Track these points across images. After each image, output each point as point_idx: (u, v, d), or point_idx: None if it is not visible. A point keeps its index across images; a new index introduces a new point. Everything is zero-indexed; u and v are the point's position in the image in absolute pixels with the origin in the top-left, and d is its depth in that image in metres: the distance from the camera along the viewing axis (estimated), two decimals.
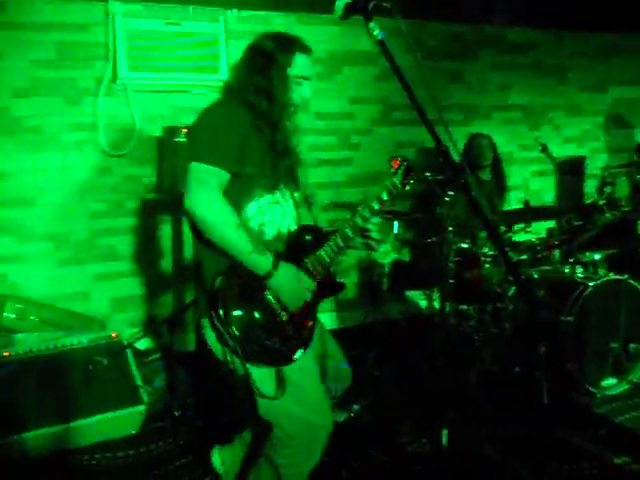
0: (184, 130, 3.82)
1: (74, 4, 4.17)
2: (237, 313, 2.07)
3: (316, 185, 5.00)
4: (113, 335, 3.57)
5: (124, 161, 4.41)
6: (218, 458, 2.80)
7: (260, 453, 2.38)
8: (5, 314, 3.79)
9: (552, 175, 5.17)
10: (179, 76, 4.39)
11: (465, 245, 4.19)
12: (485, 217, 1.59)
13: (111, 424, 3.32)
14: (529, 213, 4.10)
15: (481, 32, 5.63)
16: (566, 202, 5.56)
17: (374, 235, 2.42)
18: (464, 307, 4.26)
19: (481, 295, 4.12)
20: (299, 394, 2.20)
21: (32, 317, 3.84)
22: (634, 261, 4.31)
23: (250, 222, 2.19)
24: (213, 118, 2.16)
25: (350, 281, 5.37)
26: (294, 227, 2.34)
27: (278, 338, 2.15)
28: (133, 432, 3.41)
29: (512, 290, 3.97)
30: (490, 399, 3.68)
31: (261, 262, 2.09)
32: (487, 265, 4.06)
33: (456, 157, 1.66)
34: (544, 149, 4.59)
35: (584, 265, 4.08)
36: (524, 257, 4.10)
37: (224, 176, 2.09)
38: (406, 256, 5.51)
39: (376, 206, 2.32)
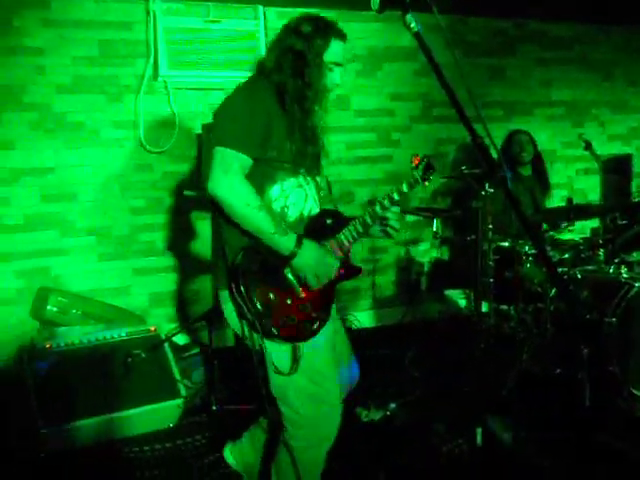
0: None
1: (116, 3, 4.23)
2: (257, 288, 2.11)
3: (354, 182, 4.99)
4: (152, 329, 3.62)
5: (164, 158, 4.46)
6: (230, 456, 2.80)
7: (277, 442, 2.41)
8: (48, 307, 3.87)
9: (597, 173, 5.05)
10: (219, 74, 4.41)
11: (505, 243, 4.12)
12: (522, 213, 1.55)
13: (149, 417, 3.36)
14: (572, 211, 4.00)
15: (524, 27, 5.53)
16: (611, 201, 5.44)
17: (392, 223, 2.41)
18: (504, 307, 4.20)
19: (522, 295, 4.06)
20: (312, 372, 2.22)
21: (74, 310, 3.91)
22: None
23: (273, 204, 2.21)
24: (238, 102, 2.17)
25: (388, 279, 5.35)
26: (316, 211, 2.35)
27: (296, 315, 2.18)
28: (171, 425, 3.45)
29: (553, 290, 3.89)
30: (531, 400, 3.62)
31: (284, 243, 2.12)
32: (528, 264, 3.99)
33: (494, 154, 1.62)
34: (588, 146, 4.49)
35: (629, 265, 3.98)
36: (567, 256, 4.01)
37: (246, 160, 2.11)
38: (445, 254, 5.46)
39: (396, 197, 2.34)
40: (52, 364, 3.27)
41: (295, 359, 2.19)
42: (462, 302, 5.24)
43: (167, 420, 3.44)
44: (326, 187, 2.45)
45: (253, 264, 2.12)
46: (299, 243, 2.14)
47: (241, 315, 2.14)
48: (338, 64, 2.26)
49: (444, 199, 5.40)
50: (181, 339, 4.29)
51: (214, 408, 3.54)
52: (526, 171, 4.79)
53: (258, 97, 2.16)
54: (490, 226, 3.89)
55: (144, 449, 3.26)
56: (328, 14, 4.60)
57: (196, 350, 4.05)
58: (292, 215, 2.25)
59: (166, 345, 3.58)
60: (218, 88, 4.32)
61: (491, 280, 3.96)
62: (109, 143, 4.32)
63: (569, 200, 3.98)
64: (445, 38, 1.77)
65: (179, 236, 4.57)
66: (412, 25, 1.68)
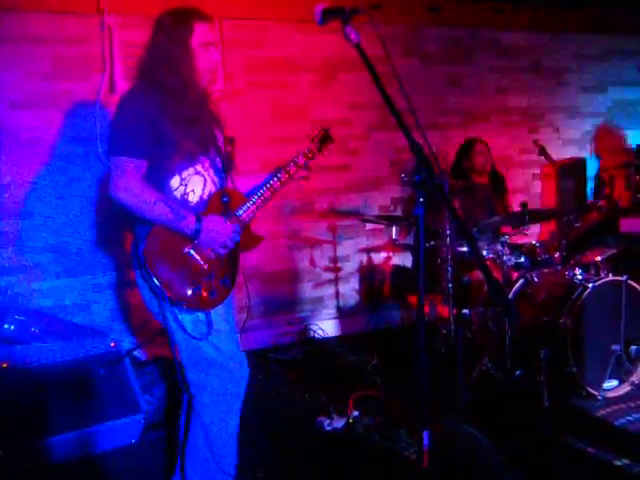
0: None
1: (70, 17, 4.20)
2: (162, 264, 2.33)
3: (313, 192, 5.01)
4: (112, 345, 3.58)
5: None
6: None
7: (190, 417, 2.60)
8: (5, 326, 3.80)
9: (553, 178, 5.17)
10: None
11: (464, 248, 4.18)
12: (459, 219, 1.59)
13: (110, 433, 3.33)
14: (528, 215, 4.08)
15: (478, 36, 5.63)
16: (567, 204, 5.57)
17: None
18: (465, 311, 4.25)
19: (481, 299, 4.11)
20: (217, 340, 2.45)
21: (32, 328, 3.85)
22: (634, 261, 4.28)
23: (174, 193, 2.40)
24: (125, 111, 2.35)
25: (351, 287, 5.38)
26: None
27: (201, 285, 2.39)
28: (133, 441, 3.41)
29: (512, 294, 3.96)
30: (491, 402, 3.67)
31: (185, 225, 2.34)
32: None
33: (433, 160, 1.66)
34: (542, 151, 4.58)
35: (585, 267, 4.06)
36: (523, 259, 4.09)
37: (139, 163, 2.31)
38: (407, 261, 5.51)
39: (292, 169, 2.66)
40: (3, 384, 3.21)
41: (210, 324, 2.42)
42: (425, 307, 5.29)
43: (129, 436, 3.41)
44: (228, 166, 2.59)
45: (157, 243, 2.34)
46: (199, 221, 2.35)
47: (152, 290, 2.37)
48: (209, 44, 2.41)
49: (404, 205, 5.46)
50: (142, 353, 4.25)
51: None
52: (482, 179, 4.86)
53: (141, 101, 2.33)
54: (448, 232, 3.95)
55: (105, 467, 3.22)
56: (284, 25, 4.77)
57: (156, 364, 4.01)
58: (192, 200, 2.44)
59: (126, 360, 3.55)
60: None
61: (450, 285, 4.02)
62: (66, 159, 4.27)
63: (524, 205, 4.06)
64: (384, 47, 1.77)
65: None
66: (352, 37, 1.71)
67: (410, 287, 5.39)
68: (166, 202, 2.33)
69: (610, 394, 3.75)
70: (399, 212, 5.42)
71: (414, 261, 5.44)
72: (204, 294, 2.39)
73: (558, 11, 5.72)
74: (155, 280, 2.31)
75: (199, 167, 2.45)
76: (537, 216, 4.23)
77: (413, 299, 5.39)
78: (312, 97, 5.01)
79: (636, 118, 6.40)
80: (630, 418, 3.54)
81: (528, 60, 5.87)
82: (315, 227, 5.16)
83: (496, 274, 4.06)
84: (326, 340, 5.05)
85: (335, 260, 5.26)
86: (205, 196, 2.47)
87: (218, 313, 2.47)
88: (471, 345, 4.10)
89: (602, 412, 3.62)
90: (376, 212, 5.31)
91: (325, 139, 2.76)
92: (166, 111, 2.34)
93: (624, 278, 3.80)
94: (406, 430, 3.40)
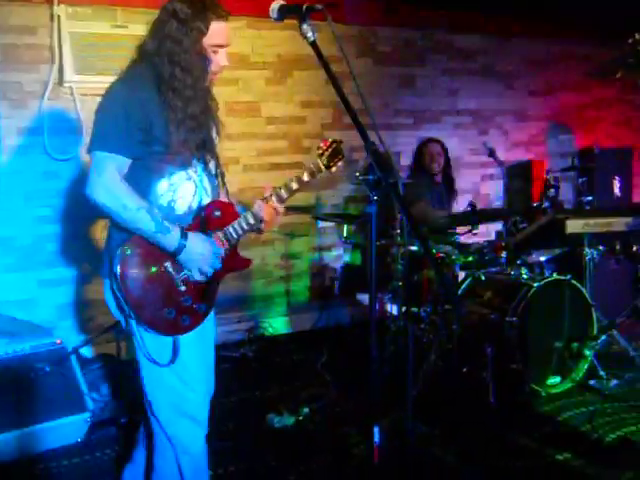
0: None
1: (19, 7, 4.09)
2: (135, 281, 2.07)
3: (267, 189, 4.98)
4: (57, 342, 3.50)
5: (71, 165, 4.34)
6: None
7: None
8: None
9: (501, 179, 5.28)
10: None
11: (413, 247, 4.23)
12: (412, 218, 1.62)
13: (56, 432, 3.26)
14: (476, 216, 4.16)
15: (431, 38, 5.72)
16: (514, 205, 5.70)
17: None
18: (414, 309, 4.30)
19: (430, 297, 4.18)
20: (182, 369, 2.19)
21: None
22: (577, 262, 4.41)
23: (160, 200, 2.15)
24: (115, 100, 2.08)
25: (302, 285, 5.39)
26: (206, 202, 2.27)
27: (174, 308, 2.14)
28: (79, 440, 3.35)
29: (460, 292, 4.04)
30: (439, 399, 3.73)
31: (167, 240, 2.08)
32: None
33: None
34: (491, 153, 4.67)
35: (530, 266, 4.17)
36: (471, 259, 4.16)
37: (123, 161, 2.06)
38: (357, 259, 5.55)
39: (294, 186, 2.33)
40: None
41: (175, 351, 2.16)
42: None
43: (74, 435, 3.35)
44: (220, 177, 2.36)
45: (133, 257, 2.08)
46: (183, 238, 2.10)
47: (120, 307, 2.12)
48: (221, 46, 2.19)
49: (356, 204, 5.49)
50: (88, 351, 4.17)
51: (122, 421, 3.48)
52: (437, 178, 4.94)
53: (135, 90, 2.08)
54: (398, 231, 3.99)
55: (51, 466, 3.16)
56: (237, 21, 4.75)
57: (103, 362, 3.95)
58: (180, 209, 2.19)
59: (73, 358, 3.48)
60: None
61: (400, 283, 4.07)
62: (12, 151, 4.16)
63: (473, 205, 4.14)
64: (338, 45, 1.76)
65: (86, 246, 4.44)
66: (309, 35, 1.72)
67: (360, 285, 5.43)
68: (150, 211, 2.06)
69: (553, 390, 3.87)
70: (351, 210, 5.46)
71: (364, 259, 5.49)
72: (177, 319, 2.14)
73: (508, 16, 5.85)
74: (125, 297, 2.06)
75: (191, 172, 2.20)
76: (486, 216, 4.31)
77: (362, 297, 5.44)
78: (266, 94, 5.00)
79: (582, 122, 6.60)
80: (571, 413, 3.65)
81: (479, 63, 5.98)
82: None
83: (446, 272, 4.13)
84: (276, 337, 5.06)
85: (287, 258, 5.27)
86: (194, 205, 2.22)
87: (188, 339, 2.19)
88: (420, 343, 4.16)
89: (545, 408, 3.73)
90: (329, 210, 5.33)
91: (336, 153, 2.38)
92: (165, 107, 2.09)
93: (567, 278, 3.92)
94: (356, 427, 3.44)
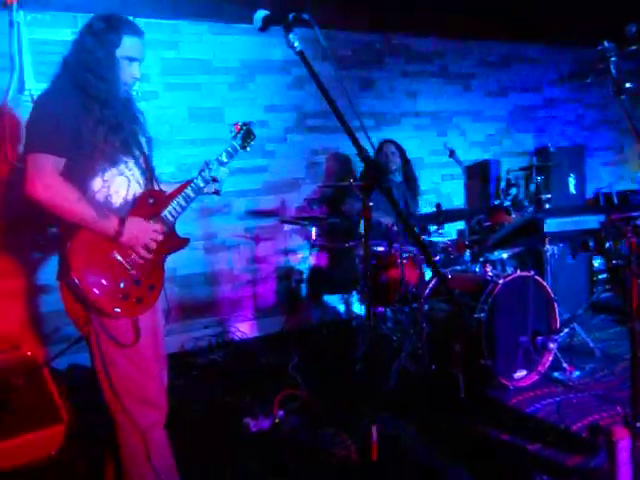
0: None
1: None
2: (91, 274, 2.25)
3: (230, 193, 5.01)
4: (28, 354, 3.45)
5: None
6: None
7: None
8: None
9: (461, 179, 5.38)
10: None
11: (380, 248, 4.29)
12: (405, 219, 1.66)
13: (31, 445, 3.20)
14: (441, 216, 4.24)
15: (390, 41, 5.80)
16: (474, 204, 5.83)
17: (220, 180, 2.74)
18: (382, 309, 4.37)
19: (398, 297, 4.24)
20: (144, 346, 2.43)
21: None
22: (537, 258, 4.55)
23: (97, 195, 2.36)
24: (46, 107, 2.30)
25: (269, 288, 5.40)
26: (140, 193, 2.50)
27: (129, 292, 2.34)
28: (52, 453, 3.30)
29: (427, 291, 4.12)
30: (410, 397, 3.79)
31: (107, 225, 2.29)
32: (403, 268, 4.18)
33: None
34: (452, 154, 4.77)
35: (493, 264, 4.27)
36: (438, 258, 4.25)
37: (58, 161, 2.25)
38: (323, 261, 5.59)
39: (214, 167, 2.66)
40: None
41: (138, 331, 2.38)
42: (341, 307, 5.41)
43: (49, 447, 3.29)
44: (149, 170, 2.55)
45: (82, 252, 2.26)
46: (121, 222, 2.32)
47: (80, 301, 2.29)
48: (133, 59, 2.41)
49: (320, 207, 5.54)
50: (60, 362, 4.10)
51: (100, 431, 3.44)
52: (397, 178, 5.02)
53: (63, 99, 2.29)
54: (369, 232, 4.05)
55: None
56: (199, 27, 4.76)
57: (78, 372, 3.90)
58: (116, 202, 2.40)
59: (45, 370, 3.42)
60: None
61: (369, 284, 4.11)
62: None
63: (438, 205, 4.22)
64: (324, 52, 1.83)
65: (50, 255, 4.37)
66: (296, 44, 1.74)
67: (326, 287, 5.48)
68: (89, 201, 2.29)
69: (520, 383, 3.98)
70: (316, 213, 5.49)
71: (330, 262, 5.53)
72: (133, 301, 2.35)
73: (463, 19, 5.97)
74: (84, 289, 2.23)
75: (122, 167, 2.41)
76: (451, 216, 4.40)
77: (329, 299, 5.49)
78: (229, 99, 5.00)
79: (535, 122, 6.79)
80: (538, 405, 3.76)
81: (437, 65, 6.10)
82: (232, 229, 5.15)
83: (413, 272, 4.21)
84: (245, 341, 5.06)
85: (253, 261, 5.27)
86: (129, 197, 2.43)
87: (145, 319, 2.44)
88: (390, 342, 4.23)
89: (513, 401, 3.83)
90: (293, 213, 5.36)
91: (248, 135, 2.78)
92: (88, 113, 2.30)
93: (531, 274, 4.04)
94: (332, 427, 3.47)
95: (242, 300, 5.27)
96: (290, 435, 3.46)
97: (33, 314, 4.35)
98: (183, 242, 2.63)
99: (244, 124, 2.79)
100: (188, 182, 2.59)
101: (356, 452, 3.23)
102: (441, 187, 6.17)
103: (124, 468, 2.53)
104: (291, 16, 1.75)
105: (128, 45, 2.38)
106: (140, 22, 4.37)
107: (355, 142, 1.64)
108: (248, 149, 2.81)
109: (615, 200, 5.41)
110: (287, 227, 5.36)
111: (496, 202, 4.65)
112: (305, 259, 5.50)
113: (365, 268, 1.73)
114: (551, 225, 2.76)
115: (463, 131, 6.33)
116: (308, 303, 5.46)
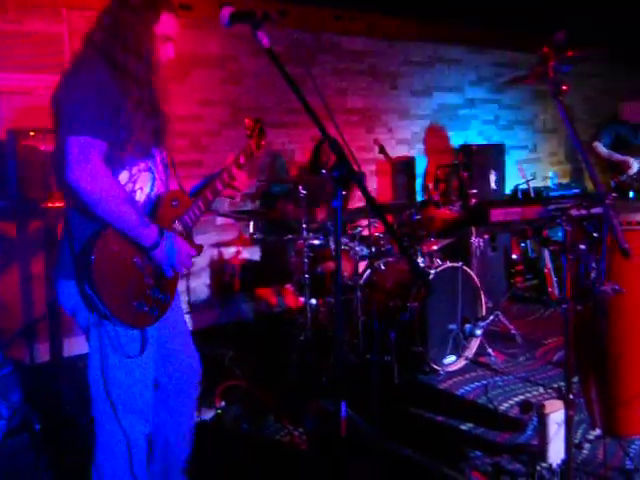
0: (32, 133, 3.70)
1: None
2: (108, 279, 2.05)
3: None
4: None
5: None
6: None
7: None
8: None
9: (388, 174, 5.59)
10: (23, 77, 4.19)
11: (316, 241, 4.40)
12: (378, 208, 1.76)
13: None
14: (374, 210, 4.38)
15: (320, 40, 5.92)
16: (401, 199, 6.05)
17: (237, 184, 2.52)
18: (314, 301, 4.46)
19: (333, 288, 4.36)
20: (148, 358, 2.25)
21: None
22: (465, 250, 4.79)
23: None
24: (81, 87, 2.04)
25: (202, 282, 5.42)
26: (162, 191, 2.30)
27: (144, 301, 2.16)
28: None
29: (362, 282, 4.26)
30: (347, 383, 3.91)
31: (146, 235, 2.08)
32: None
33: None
34: (382, 150, 4.94)
35: (423, 255, 4.46)
36: (371, 250, 4.40)
37: (102, 146, 2.02)
38: (256, 255, 5.66)
39: (234, 170, 2.47)
40: None
41: (145, 341, 2.20)
42: (275, 300, 5.49)
43: None
44: (172, 164, 2.37)
45: (101, 254, 2.03)
46: (160, 235, 2.11)
47: (91, 306, 2.07)
48: (170, 38, 2.23)
49: (253, 201, 5.60)
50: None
51: (36, 427, 3.40)
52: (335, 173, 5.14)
53: (99, 78, 2.05)
54: (304, 225, 4.15)
55: None
56: None
57: (10, 368, 3.81)
58: (140, 199, 2.20)
59: None
60: (24, 92, 4.10)
61: (306, 276, 4.23)
62: None
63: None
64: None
65: None
66: (264, 42, 1.81)
67: (260, 281, 5.55)
68: (133, 203, 2.05)
69: (450, 368, 4.20)
70: (250, 207, 5.55)
71: (264, 255, 5.61)
72: (147, 311, 2.17)
73: (390, 20, 6.17)
74: (98, 294, 2.02)
75: (150, 163, 2.21)
76: (384, 210, 4.57)
77: (262, 292, 5.56)
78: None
79: (457, 121, 7.09)
80: (468, 388, 3.98)
81: (365, 64, 6.27)
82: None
83: (348, 265, 4.34)
84: None
85: None
86: (153, 195, 2.23)
87: (153, 329, 2.24)
88: (326, 332, 4.34)
89: (444, 385, 4.04)
90: (226, 207, 5.39)
91: (261, 133, 2.58)
92: (127, 94, 2.07)
93: (459, 264, 4.26)
94: (273, 415, 3.56)
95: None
96: (232, 425, 3.52)
97: None
98: (197, 249, 2.40)
99: (257, 121, 2.59)
100: (208, 185, 2.42)
101: (299, 437, 3.33)
102: (369, 182, 6.34)
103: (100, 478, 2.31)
104: (262, 14, 1.81)
105: (167, 22, 2.18)
106: (75, 14, 4.45)
107: (323, 132, 1.74)
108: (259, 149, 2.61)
109: (532, 195, 5.76)
110: (220, 220, 5.39)
111: (425, 196, 4.86)
112: (238, 253, 5.55)
113: (337, 263, 1.77)
114: (497, 215, 2.92)
115: (390, 128, 6.53)
116: (241, 297, 5.51)
